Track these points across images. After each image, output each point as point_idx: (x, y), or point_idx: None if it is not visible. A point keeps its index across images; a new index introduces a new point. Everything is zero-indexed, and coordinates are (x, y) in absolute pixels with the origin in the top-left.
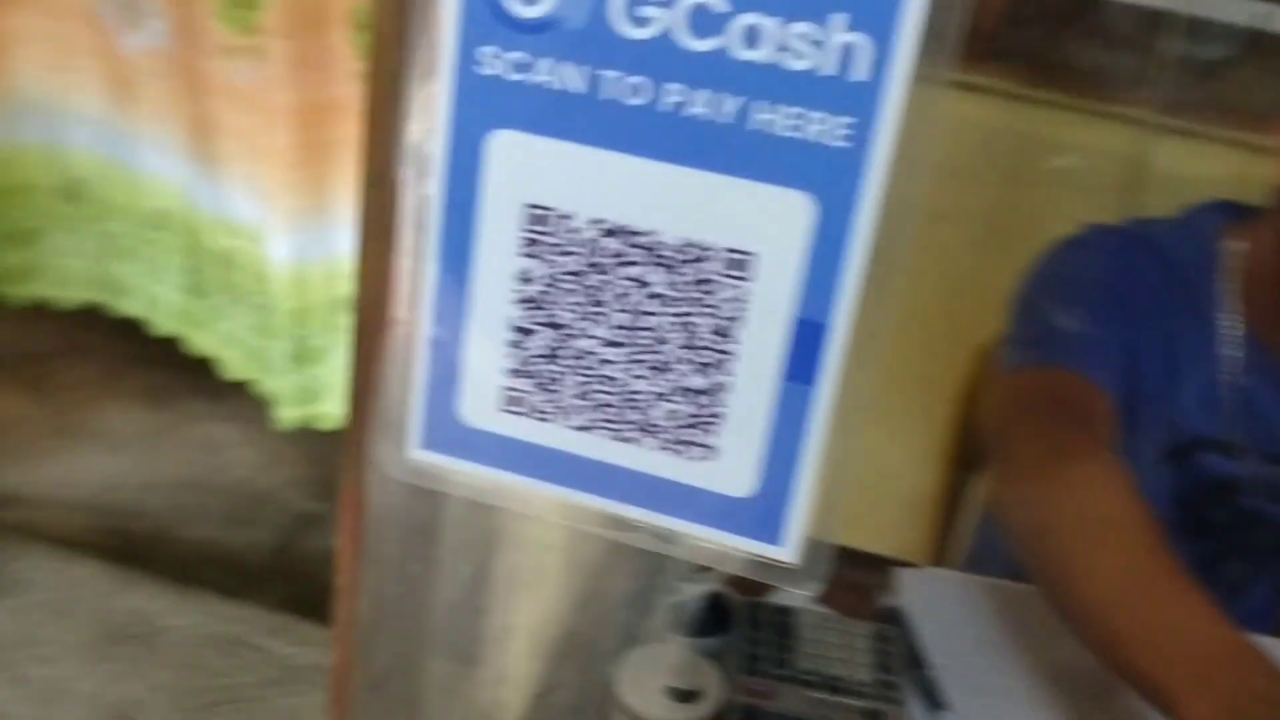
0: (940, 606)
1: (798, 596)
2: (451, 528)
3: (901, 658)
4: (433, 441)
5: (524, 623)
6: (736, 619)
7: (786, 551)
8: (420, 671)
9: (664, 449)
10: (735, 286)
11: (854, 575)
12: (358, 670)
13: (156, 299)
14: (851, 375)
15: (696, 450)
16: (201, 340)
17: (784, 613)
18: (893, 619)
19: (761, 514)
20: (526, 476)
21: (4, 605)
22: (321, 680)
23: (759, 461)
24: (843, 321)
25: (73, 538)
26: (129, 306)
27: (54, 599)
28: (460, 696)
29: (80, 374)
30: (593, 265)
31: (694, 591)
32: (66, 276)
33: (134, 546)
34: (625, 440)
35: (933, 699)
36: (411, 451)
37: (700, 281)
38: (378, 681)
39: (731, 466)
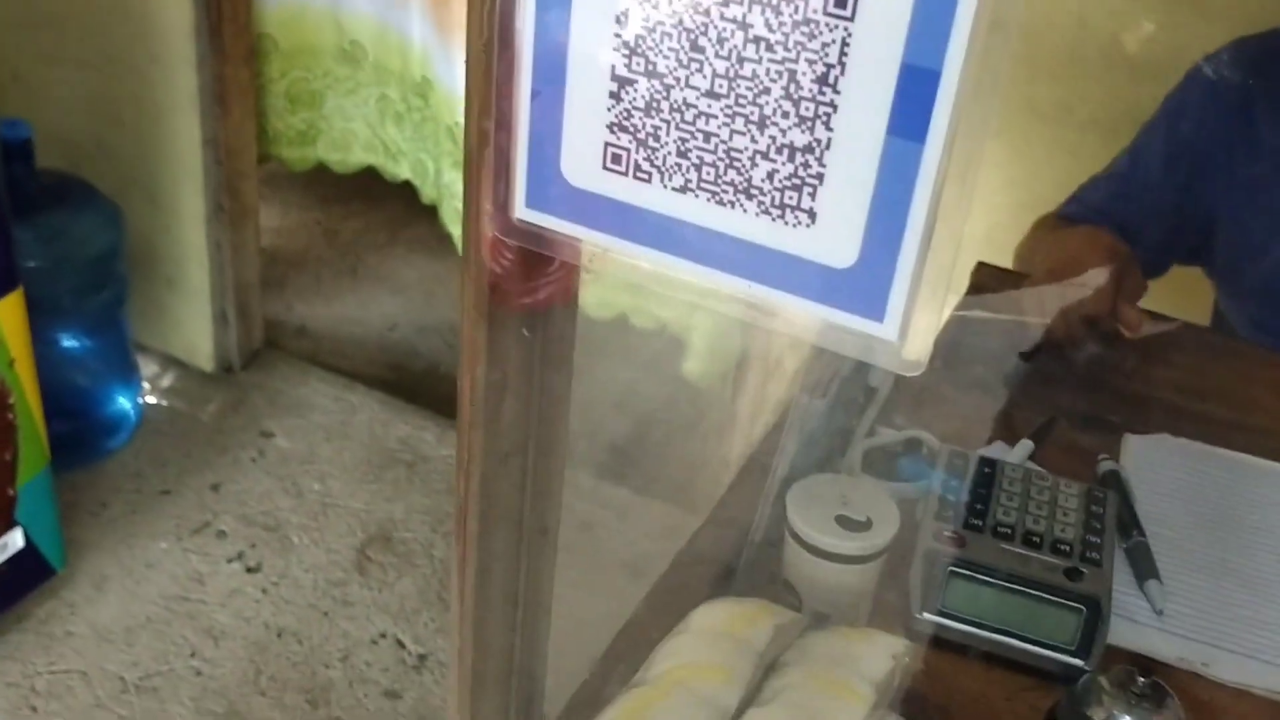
0: (1163, 474)
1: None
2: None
3: (1113, 522)
4: (537, 200)
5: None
6: (936, 466)
7: (888, 328)
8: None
9: (764, 214)
10: (838, 27)
11: (1073, 436)
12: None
13: (424, 167)
14: (963, 131)
15: (797, 215)
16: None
17: (988, 465)
18: (1109, 482)
19: (863, 286)
20: (627, 240)
21: (290, 424)
22: None
23: (862, 229)
24: (955, 68)
25: (354, 369)
26: (401, 171)
27: (333, 423)
28: (634, 515)
29: (369, 221)
30: (692, 3)
31: (894, 436)
32: (347, 140)
33: (408, 381)
34: (725, 204)
35: (1142, 567)
36: (517, 211)
37: (802, 23)
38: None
39: (833, 234)
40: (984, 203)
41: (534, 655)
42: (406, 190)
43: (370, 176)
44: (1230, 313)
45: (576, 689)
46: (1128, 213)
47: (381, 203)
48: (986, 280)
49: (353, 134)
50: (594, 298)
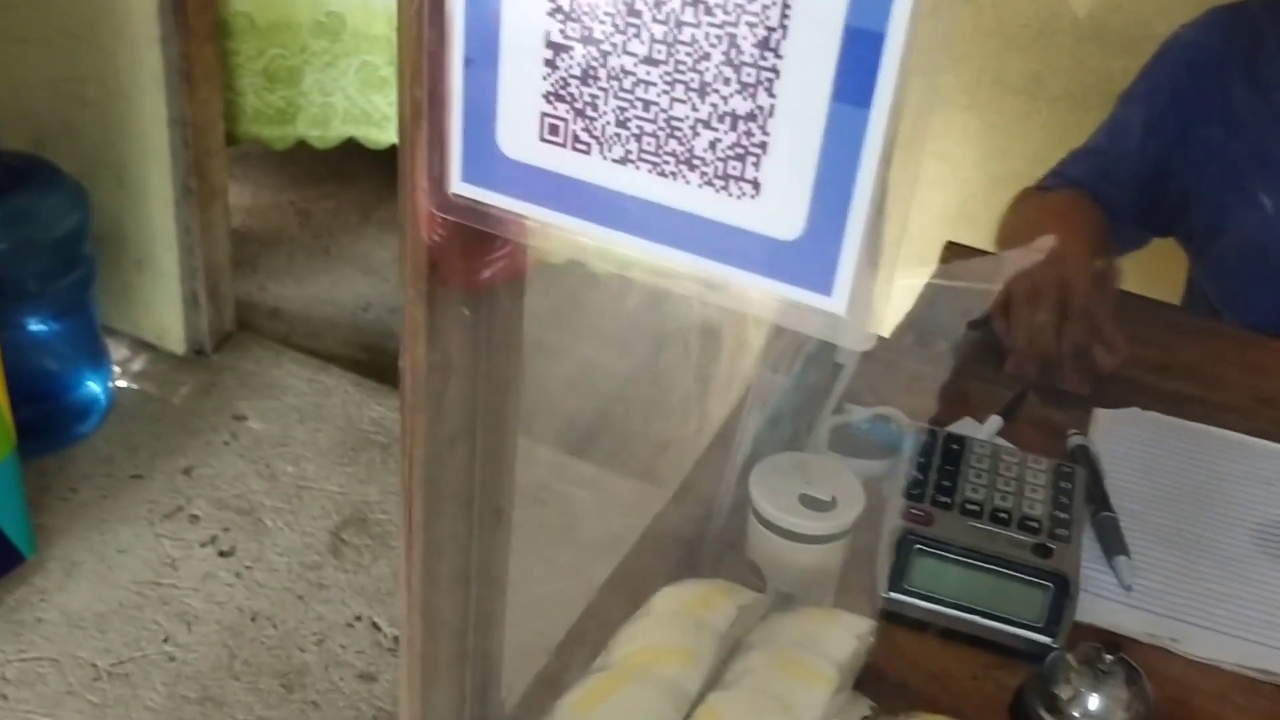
0: (1133, 448)
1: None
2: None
3: (1082, 498)
4: (473, 174)
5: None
6: (904, 442)
7: (836, 301)
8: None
9: (707, 184)
10: None
11: (1043, 411)
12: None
13: None
14: (912, 96)
15: (741, 186)
16: None
17: (956, 441)
18: (1078, 458)
19: (810, 259)
20: (568, 214)
21: (263, 406)
22: None
23: (808, 199)
24: (900, 30)
25: (327, 351)
26: (386, 137)
27: (306, 405)
28: (605, 493)
29: (341, 201)
30: None
31: (861, 414)
32: (326, 115)
33: (381, 362)
34: (667, 175)
35: (1110, 542)
36: (453, 185)
37: None
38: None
39: (778, 205)
40: (956, 176)
41: (489, 639)
42: (379, 170)
43: (342, 157)
44: (1204, 285)
45: (535, 674)
46: (1107, 186)
47: (354, 183)
48: (956, 260)
49: (332, 108)
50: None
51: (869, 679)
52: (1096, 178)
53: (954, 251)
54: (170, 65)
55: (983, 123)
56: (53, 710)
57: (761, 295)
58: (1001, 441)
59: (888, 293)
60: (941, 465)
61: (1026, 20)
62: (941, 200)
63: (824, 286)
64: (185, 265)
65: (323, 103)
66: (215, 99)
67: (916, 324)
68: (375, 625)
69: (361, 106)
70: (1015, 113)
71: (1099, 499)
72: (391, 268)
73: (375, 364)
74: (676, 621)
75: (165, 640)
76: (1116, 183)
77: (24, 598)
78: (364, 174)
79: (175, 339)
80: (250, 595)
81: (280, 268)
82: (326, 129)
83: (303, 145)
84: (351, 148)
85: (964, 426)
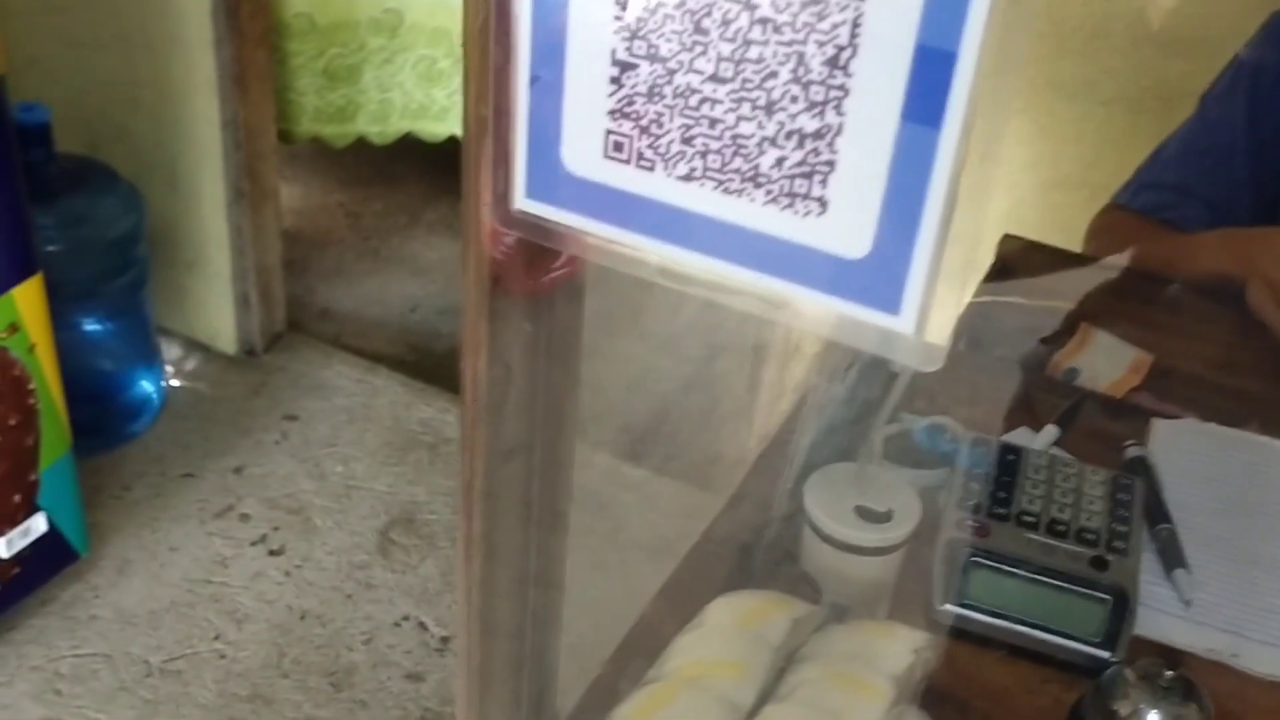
0: (1191, 460)
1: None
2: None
3: (1140, 510)
4: (537, 191)
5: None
6: (959, 453)
7: (903, 321)
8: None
9: (772, 202)
10: (848, 7)
11: (1100, 422)
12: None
13: None
14: (982, 115)
15: (807, 204)
16: None
17: (1012, 452)
18: (1137, 469)
19: (876, 278)
20: (631, 231)
21: (313, 407)
22: None
23: (875, 218)
24: (973, 48)
25: (376, 352)
26: (446, 128)
27: (355, 405)
28: (659, 498)
29: (389, 203)
30: None
31: (916, 423)
32: (385, 111)
33: (429, 363)
34: (731, 192)
35: (1169, 556)
36: (517, 201)
37: (811, 2)
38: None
39: (844, 223)
40: (1007, 180)
41: (545, 649)
42: (427, 172)
43: (390, 159)
44: None
45: (589, 684)
46: (1213, 186)
47: (402, 184)
48: (1012, 253)
49: (390, 103)
50: None
51: (923, 692)
52: (1203, 178)
53: (1010, 244)
54: (223, 69)
55: (1035, 126)
56: (105, 706)
57: (826, 313)
58: (1058, 452)
59: (956, 313)
60: (998, 476)
61: (1080, 22)
62: (992, 204)
63: (891, 305)
64: (237, 266)
65: (381, 99)
66: (267, 102)
67: (973, 332)
68: (423, 625)
69: (419, 100)
70: (1068, 116)
71: (1157, 511)
72: (439, 269)
73: (423, 365)
74: (730, 634)
75: (216, 638)
76: (1226, 179)
77: (78, 594)
78: (412, 176)
79: (227, 339)
80: (299, 594)
81: (330, 269)
82: (386, 124)
83: (351, 147)
84: (400, 150)
85: (1020, 437)
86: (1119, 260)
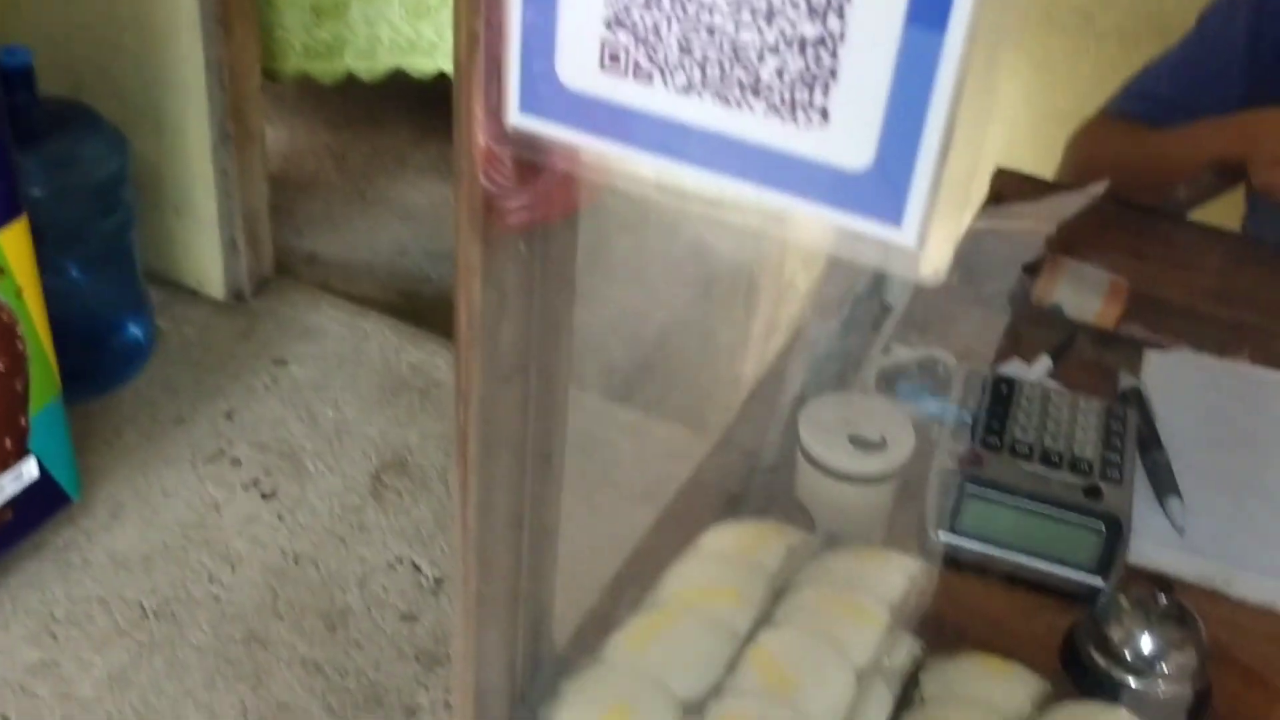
0: (1185, 390)
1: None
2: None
3: (1133, 439)
4: (531, 105)
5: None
6: (952, 384)
7: (905, 233)
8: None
9: (773, 113)
10: None
11: (1093, 354)
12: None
13: None
14: (988, 18)
15: (808, 114)
16: None
17: (1006, 383)
18: (1130, 399)
19: (879, 189)
20: (629, 145)
21: (302, 352)
22: None
23: (878, 127)
24: None
25: (365, 296)
26: (434, 63)
27: (345, 349)
28: (650, 437)
29: (376, 145)
30: None
31: (909, 355)
32: (373, 46)
33: (419, 307)
34: (731, 104)
35: (1162, 484)
36: (511, 117)
37: None
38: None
39: (847, 134)
40: (1001, 115)
41: (541, 579)
42: (414, 114)
43: (377, 100)
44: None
45: (585, 613)
46: (1207, 102)
47: (390, 127)
48: (1006, 186)
49: (378, 39)
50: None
51: (918, 619)
52: (1192, 92)
53: (1004, 178)
54: (206, 9)
55: (1030, 60)
56: (101, 649)
57: (826, 227)
58: (1051, 383)
59: (958, 227)
60: (991, 406)
61: None
62: (994, 120)
63: (893, 218)
64: (224, 210)
65: (369, 34)
66: (252, 42)
67: (965, 263)
68: (416, 567)
69: (408, 35)
70: (1062, 50)
71: (1151, 441)
72: (428, 213)
73: (412, 308)
74: (725, 561)
75: (210, 580)
76: (1219, 97)
77: (71, 539)
78: (399, 118)
79: (215, 284)
80: (292, 537)
81: (317, 213)
82: (374, 60)
83: (337, 88)
84: (387, 92)
85: (1013, 368)
86: (1100, 187)
